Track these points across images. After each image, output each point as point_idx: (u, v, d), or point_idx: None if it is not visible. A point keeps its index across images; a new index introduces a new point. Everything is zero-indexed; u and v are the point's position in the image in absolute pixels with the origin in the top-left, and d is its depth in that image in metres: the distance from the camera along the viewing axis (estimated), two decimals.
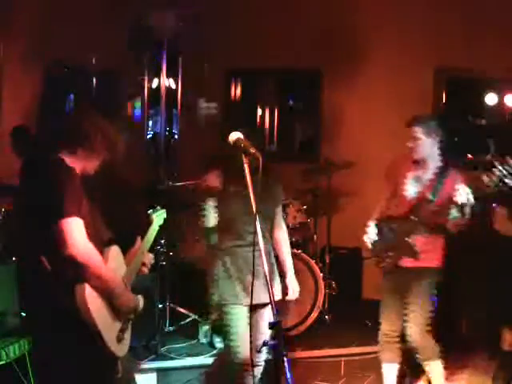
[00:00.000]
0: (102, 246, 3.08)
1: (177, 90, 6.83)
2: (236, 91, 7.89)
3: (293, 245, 6.05)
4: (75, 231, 2.84)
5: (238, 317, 3.76)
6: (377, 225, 4.38)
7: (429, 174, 4.26)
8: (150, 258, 3.46)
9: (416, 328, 4.19)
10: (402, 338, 4.34)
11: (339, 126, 7.26)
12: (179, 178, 6.13)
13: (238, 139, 3.04)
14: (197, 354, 5.46)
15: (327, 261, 6.50)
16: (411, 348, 4.28)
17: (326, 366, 5.28)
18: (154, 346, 5.44)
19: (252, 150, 2.94)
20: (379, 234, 4.34)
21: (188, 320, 5.98)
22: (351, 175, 6.76)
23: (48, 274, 2.92)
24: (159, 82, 6.65)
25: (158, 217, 3.69)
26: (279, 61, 7.26)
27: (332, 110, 7.35)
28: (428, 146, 4.19)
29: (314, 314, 5.82)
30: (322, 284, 5.86)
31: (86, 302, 2.85)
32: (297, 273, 5.90)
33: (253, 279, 3.12)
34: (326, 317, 6.11)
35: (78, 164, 3.07)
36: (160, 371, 4.90)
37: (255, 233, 2.82)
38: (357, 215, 6.96)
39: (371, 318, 6.18)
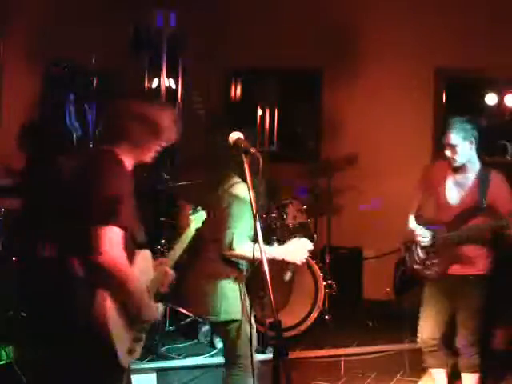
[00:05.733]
0: (135, 248, 2.97)
1: (177, 89, 6.82)
2: (236, 91, 7.88)
3: None
4: (112, 241, 2.71)
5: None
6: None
7: (471, 178, 4.09)
8: (171, 275, 3.27)
9: (466, 336, 4.10)
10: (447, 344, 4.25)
11: (339, 126, 7.26)
12: (179, 178, 6.13)
13: (238, 139, 3.04)
14: (197, 354, 5.46)
15: (327, 261, 6.50)
16: (457, 354, 4.19)
17: (325, 366, 5.27)
18: (154, 346, 5.44)
19: (252, 150, 2.94)
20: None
21: (188, 320, 5.98)
22: (351, 175, 6.76)
23: (74, 277, 2.79)
24: (159, 81, 6.65)
25: (196, 219, 3.57)
26: (279, 61, 7.25)
27: (332, 109, 7.34)
28: (467, 151, 4.01)
29: (314, 314, 5.82)
30: (321, 284, 5.85)
31: (105, 312, 2.73)
32: (297, 273, 5.96)
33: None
34: (326, 317, 6.11)
35: (129, 156, 2.94)
36: (160, 371, 4.90)
37: (256, 235, 2.81)
38: (357, 215, 7.02)
39: (371, 318, 6.20)
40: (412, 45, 6.93)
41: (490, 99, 6.88)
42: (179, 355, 5.43)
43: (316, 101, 7.48)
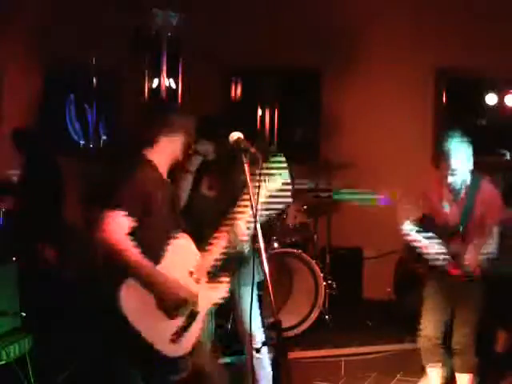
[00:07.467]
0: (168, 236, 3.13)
1: (177, 89, 6.83)
2: (236, 91, 7.88)
3: (293, 245, 6.07)
4: (115, 223, 2.93)
5: None
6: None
7: (462, 191, 4.06)
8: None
9: (464, 336, 4.10)
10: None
11: (339, 126, 7.26)
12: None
13: (239, 139, 3.03)
14: None
15: (327, 261, 6.50)
16: (453, 354, 4.17)
17: (325, 366, 5.26)
18: None
19: (252, 150, 2.94)
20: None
21: None
22: (351, 175, 6.76)
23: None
24: (159, 81, 6.65)
25: (270, 182, 3.42)
26: (279, 61, 7.26)
27: (332, 109, 7.34)
28: (466, 172, 4.01)
29: (314, 314, 5.82)
30: (322, 284, 5.85)
31: (123, 302, 2.87)
32: (297, 273, 5.96)
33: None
34: (326, 317, 6.10)
35: (166, 153, 3.17)
36: None
37: (256, 231, 2.82)
38: (357, 215, 7.02)
39: (372, 318, 6.20)
40: (412, 45, 6.92)
41: (490, 99, 6.88)
42: None
43: (316, 101, 7.47)
